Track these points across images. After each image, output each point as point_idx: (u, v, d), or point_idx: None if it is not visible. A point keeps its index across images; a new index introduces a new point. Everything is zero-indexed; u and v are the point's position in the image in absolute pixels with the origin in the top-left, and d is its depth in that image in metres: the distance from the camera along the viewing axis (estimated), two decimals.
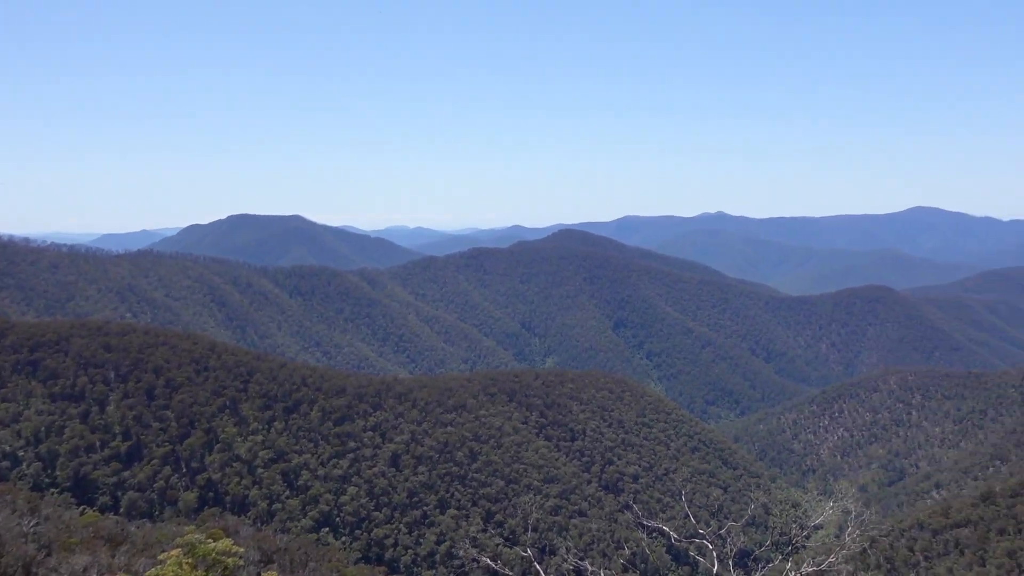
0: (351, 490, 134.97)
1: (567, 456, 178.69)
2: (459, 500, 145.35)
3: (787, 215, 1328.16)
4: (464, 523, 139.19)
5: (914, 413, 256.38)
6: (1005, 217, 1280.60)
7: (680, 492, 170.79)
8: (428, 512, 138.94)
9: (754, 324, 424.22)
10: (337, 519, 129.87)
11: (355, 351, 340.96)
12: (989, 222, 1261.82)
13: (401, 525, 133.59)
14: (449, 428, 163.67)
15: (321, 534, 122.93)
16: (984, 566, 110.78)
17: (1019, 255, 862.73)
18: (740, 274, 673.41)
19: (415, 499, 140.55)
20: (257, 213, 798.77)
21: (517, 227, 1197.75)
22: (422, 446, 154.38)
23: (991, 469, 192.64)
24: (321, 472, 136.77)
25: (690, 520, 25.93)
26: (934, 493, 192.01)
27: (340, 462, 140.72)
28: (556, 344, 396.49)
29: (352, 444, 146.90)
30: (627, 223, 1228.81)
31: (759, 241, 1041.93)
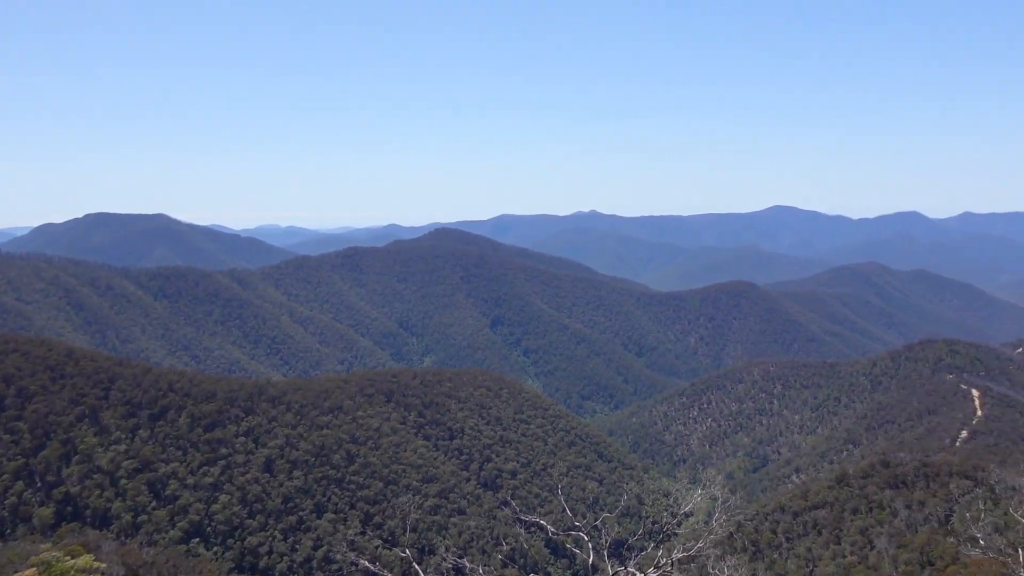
0: (223, 498, 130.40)
1: (446, 455, 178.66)
2: (336, 503, 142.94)
3: (657, 214, 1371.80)
4: (342, 527, 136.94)
5: (776, 402, 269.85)
6: (855, 216, 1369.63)
7: (557, 486, 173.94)
8: (304, 517, 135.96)
9: (627, 320, 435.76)
10: (208, 529, 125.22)
11: (226, 354, 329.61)
12: (840, 220, 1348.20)
13: (276, 532, 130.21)
14: (325, 431, 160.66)
15: (191, 545, 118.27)
16: (839, 543, 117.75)
17: (866, 251, 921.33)
18: (612, 271, 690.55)
19: (290, 504, 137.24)
20: (117, 211, 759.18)
21: (393, 226, 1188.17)
22: (297, 450, 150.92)
23: (845, 453, 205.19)
24: (191, 481, 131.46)
25: (567, 513, 26.52)
26: (794, 477, 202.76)
27: (211, 469, 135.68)
28: (434, 343, 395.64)
29: (224, 451, 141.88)
30: (503, 222, 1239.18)
31: (630, 239, 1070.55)
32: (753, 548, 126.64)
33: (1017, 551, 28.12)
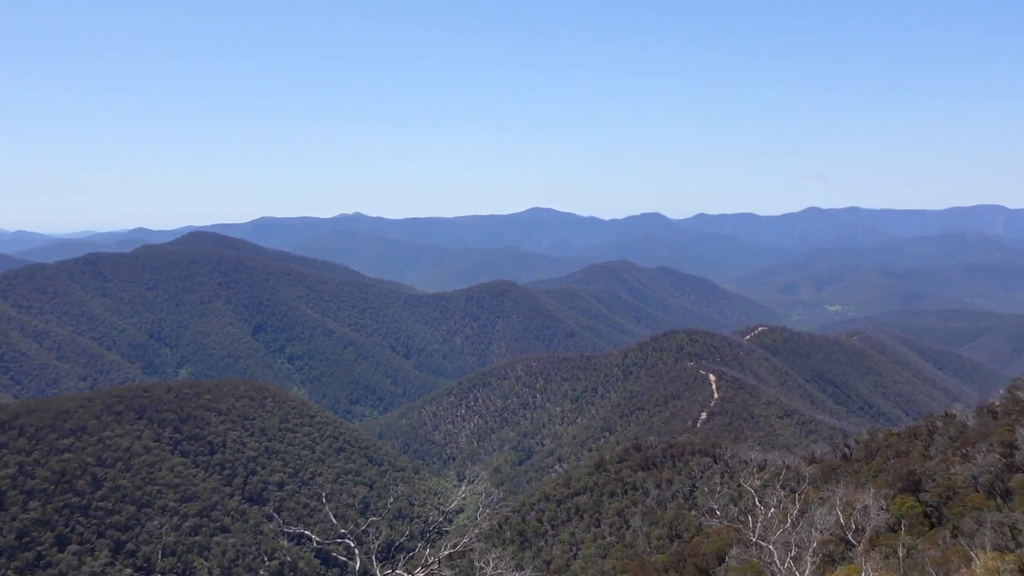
0: None
1: (206, 471, 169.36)
2: (82, 534, 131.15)
3: (421, 216, 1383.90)
4: (88, 558, 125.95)
5: (538, 396, 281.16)
6: (606, 217, 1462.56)
7: (322, 495, 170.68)
8: (43, 552, 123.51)
9: (394, 322, 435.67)
10: None
11: None
12: (593, 221, 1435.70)
13: (10, 572, 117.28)
14: (67, 455, 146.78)
15: None
16: (600, 526, 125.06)
17: (617, 250, 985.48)
18: (379, 273, 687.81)
19: (26, 540, 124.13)
20: None
21: (141, 229, 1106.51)
22: (33, 479, 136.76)
23: (602, 440, 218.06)
24: None
25: (333, 521, 26.16)
26: (557, 467, 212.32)
27: None
28: (190, 353, 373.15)
29: None
30: (264, 224, 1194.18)
31: (395, 241, 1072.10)
32: (521, 538, 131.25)
33: (748, 518, 31.34)
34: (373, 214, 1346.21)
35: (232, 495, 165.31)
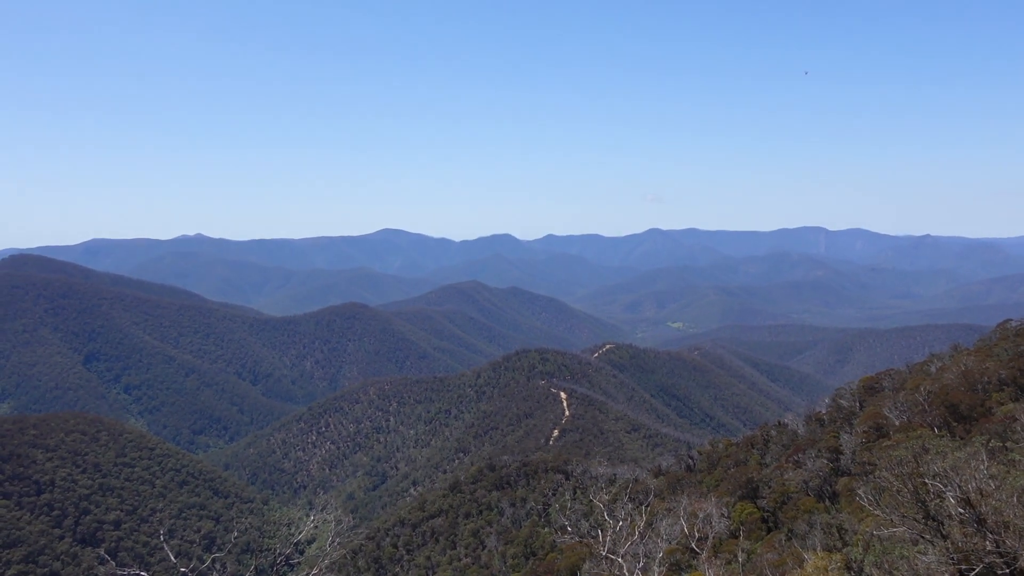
0: None
1: (32, 513, 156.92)
2: None
3: (267, 237, 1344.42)
4: None
5: (392, 419, 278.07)
6: (457, 238, 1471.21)
7: (160, 532, 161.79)
8: None
9: (239, 347, 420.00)
10: None
11: None
12: (444, 242, 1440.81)
13: None
14: None
15: None
16: (455, 548, 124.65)
17: (467, 271, 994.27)
18: (223, 297, 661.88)
19: None
20: None
21: None
22: None
23: (456, 461, 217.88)
24: None
25: (173, 560, 24.62)
26: (412, 490, 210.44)
27: None
28: (13, 386, 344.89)
29: None
30: (96, 247, 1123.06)
31: (240, 263, 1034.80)
32: (376, 565, 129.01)
33: (599, 532, 32.07)
34: (215, 235, 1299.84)
35: (62, 537, 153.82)
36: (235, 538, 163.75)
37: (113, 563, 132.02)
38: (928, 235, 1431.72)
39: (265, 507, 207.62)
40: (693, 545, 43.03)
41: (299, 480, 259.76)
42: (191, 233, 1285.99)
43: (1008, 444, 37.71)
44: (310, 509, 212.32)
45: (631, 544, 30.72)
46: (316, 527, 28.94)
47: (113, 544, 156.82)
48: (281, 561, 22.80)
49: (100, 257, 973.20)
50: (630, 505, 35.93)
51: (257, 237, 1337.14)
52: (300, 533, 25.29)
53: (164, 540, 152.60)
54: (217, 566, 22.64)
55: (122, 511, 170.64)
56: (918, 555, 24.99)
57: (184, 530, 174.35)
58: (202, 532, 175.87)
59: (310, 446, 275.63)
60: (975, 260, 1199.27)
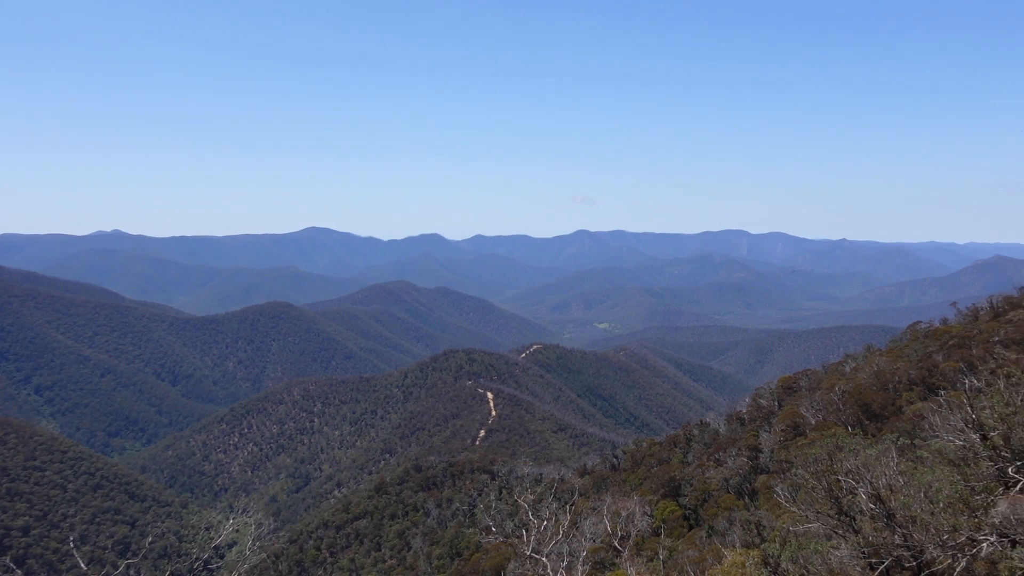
0: None
1: None
2: None
3: (189, 234, 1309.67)
4: None
5: (316, 420, 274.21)
6: (385, 237, 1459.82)
7: (69, 538, 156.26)
8: None
9: (158, 347, 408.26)
10: None
11: None
12: (372, 241, 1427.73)
13: None
14: None
15: None
16: (380, 550, 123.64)
17: (396, 271, 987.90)
18: (142, 295, 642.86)
19: None
20: None
21: None
22: None
23: (382, 462, 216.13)
24: None
25: (83, 567, 23.73)
26: (336, 492, 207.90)
27: None
28: None
29: None
30: (6, 242, 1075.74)
31: (161, 261, 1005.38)
32: (298, 568, 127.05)
33: (523, 532, 32.19)
34: (135, 232, 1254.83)
35: None
36: (150, 543, 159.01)
37: (20, 572, 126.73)
38: (844, 239, 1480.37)
39: (184, 511, 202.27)
40: (616, 543, 43.58)
41: (220, 483, 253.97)
42: (108, 229, 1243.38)
43: (916, 442, 39.20)
44: (231, 512, 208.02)
45: (555, 543, 30.92)
46: (237, 530, 28.34)
47: (21, 551, 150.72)
48: (199, 566, 22.23)
49: (11, 253, 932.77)
50: (555, 504, 36.18)
51: (178, 234, 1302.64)
52: (220, 537, 24.72)
53: (74, 546, 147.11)
54: (131, 572, 21.94)
55: (31, 516, 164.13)
56: (831, 550, 25.77)
57: (97, 536, 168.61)
58: (116, 538, 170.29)
59: (232, 448, 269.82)
60: (888, 264, 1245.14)
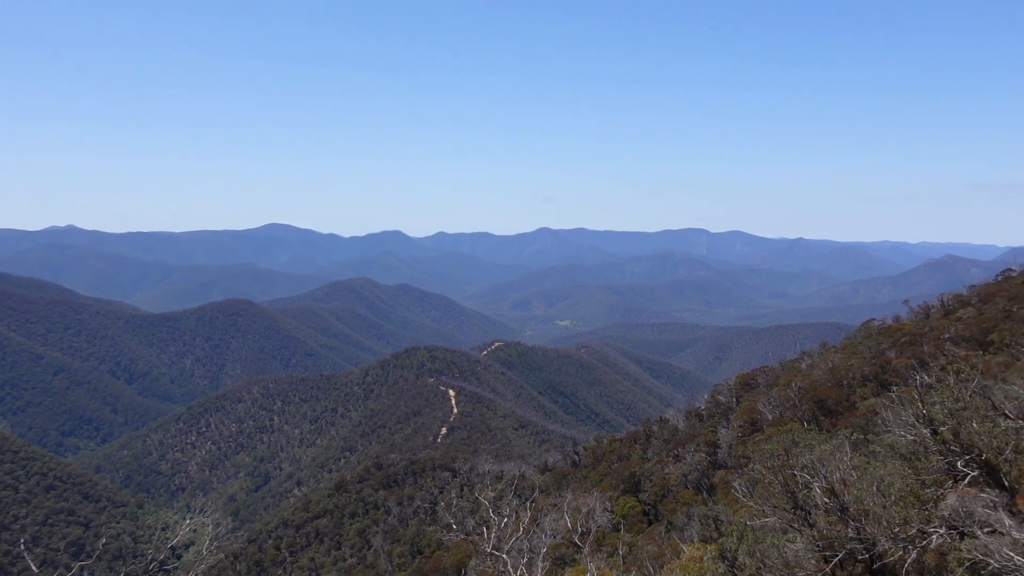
0: None
1: None
2: None
3: (146, 230, 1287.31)
4: None
5: (276, 418, 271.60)
6: (346, 234, 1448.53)
7: (19, 540, 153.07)
8: None
9: (114, 345, 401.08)
10: None
11: None
12: (333, 238, 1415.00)
13: None
14: None
15: None
16: (340, 548, 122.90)
17: (357, 268, 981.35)
18: (97, 292, 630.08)
19: None
20: None
21: None
22: None
23: (343, 460, 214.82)
24: None
25: (35, 569, 23.15)
26: (296, 490, 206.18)
27: None
28: None
29: None
30: None
31: (117, 257, 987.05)
32: (257, 568, 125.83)
33: (484, 529, 32.23)
34: (90, 227, 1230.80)
35: None
36: (104, 544, 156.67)
37: None
38: (801, 238, 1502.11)
39: (139, 511, 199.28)
40: (577, 539, 43.84)
41: (177, 482, 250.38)
42: (62, 224, 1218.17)
43: (870, 437, 39.98)
44: (188, 512, 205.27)
45: (516, 540, 31.02)
46: (194, 530, 28.05)
47: None
48: (155, 567, 21.92)
49: None
50: (516, 501, 36.30)
51: (135, 230, 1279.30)
52: (176, 537, 24.39)
53: (26, 549, 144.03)
54: (85, 574, 21.59)
55: None
56: (787, 543, 26.22)
57: (50, 537, 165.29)
58: (69, 539, 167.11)
59: (189, 447, 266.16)
60: (843, 262, 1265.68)
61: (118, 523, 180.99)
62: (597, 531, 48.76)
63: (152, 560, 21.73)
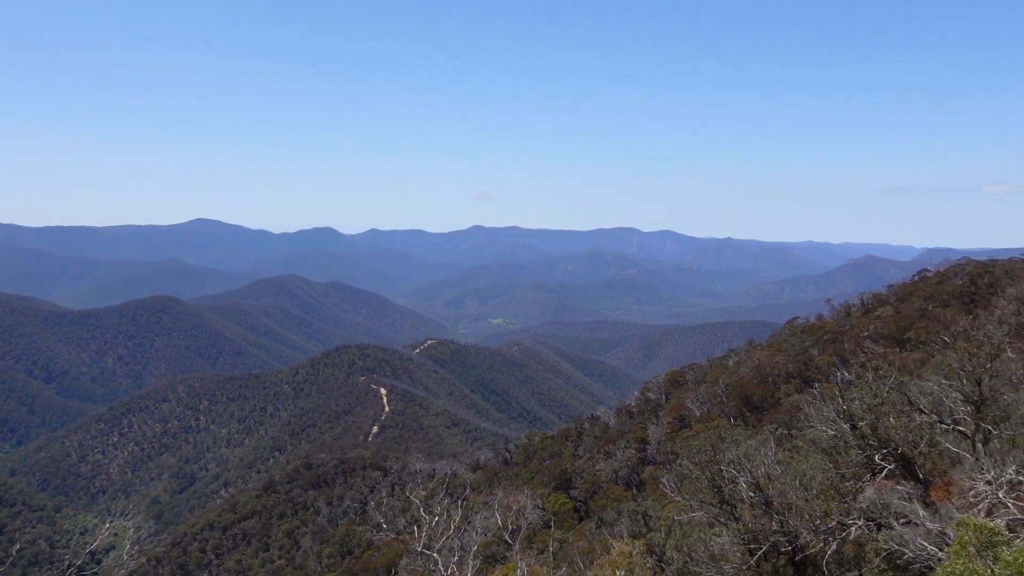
0: None
1: None
2: None
3: (65, 224, 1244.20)
4: None
5: (202, 418, 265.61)
6: (276, 230, 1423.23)
7: None
8: None
9: (31, 343, 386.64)
10: None
11: None
12: (263, 234, 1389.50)
13: None
14: None
15: None
16: (268, 550, 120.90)
17: (287, 264, 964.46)
18: (13, 288, 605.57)
19: None
20: None
21: None
22: None
23: (271, 460, 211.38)
24: None
25: None
26: (223, 492, 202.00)
27: None
28: None
29: None
30: None
31: (34, 251, 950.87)
32: (182, 572, 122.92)
33: (415, 528, 32.04)
34: (6, 220, 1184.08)
35: None
36: (19, 551, 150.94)
37: None
38: (730, 238, 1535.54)
39: (57, 515, 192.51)
40: (507, 537, 43.94)
41: (97, 485, 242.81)
42: None
43: (793, 432, 41.02)
44: (108, 515, 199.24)
45: (447, 538, 30.92)
46: (115, 534, 27.18)
47: None
48: (72, 572, 21.16)
49: None
50: (447, 500, 36.16)
51: (54, 223, 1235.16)
52: (95, 541, 23.60)
53: None
54: None
55: None
56: (714, 537, 26.73)
57: None
58: None
59: (111, 448, 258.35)
60: (769, 262, 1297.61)
61: (34, 528, 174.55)
62: (528, 528, 49.01)
63: (70, 566, 20.99)
